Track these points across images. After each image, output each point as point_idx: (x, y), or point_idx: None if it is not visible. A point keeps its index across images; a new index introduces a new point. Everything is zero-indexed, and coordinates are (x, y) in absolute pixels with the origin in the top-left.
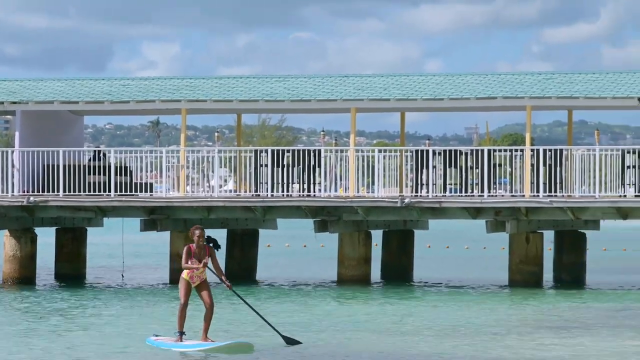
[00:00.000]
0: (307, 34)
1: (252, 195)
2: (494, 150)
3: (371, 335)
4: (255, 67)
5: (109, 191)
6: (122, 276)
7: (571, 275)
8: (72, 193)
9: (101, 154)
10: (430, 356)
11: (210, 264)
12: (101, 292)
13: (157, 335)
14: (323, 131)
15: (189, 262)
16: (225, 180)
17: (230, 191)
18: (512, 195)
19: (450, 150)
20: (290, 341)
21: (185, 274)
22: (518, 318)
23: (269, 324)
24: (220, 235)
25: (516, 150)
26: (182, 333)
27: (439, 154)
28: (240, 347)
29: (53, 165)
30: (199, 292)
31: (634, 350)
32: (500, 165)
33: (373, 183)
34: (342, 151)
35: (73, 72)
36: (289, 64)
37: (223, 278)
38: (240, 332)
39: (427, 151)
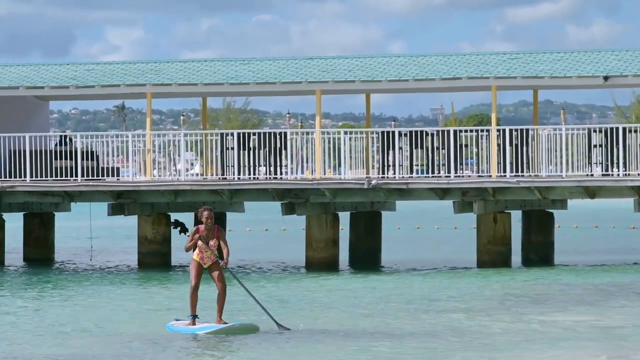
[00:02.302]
0: (269, 16)
1: (219, 178)
2: (460, 131)
3: (343, 314)
4: (219, 50)
5: (76, 176)
6: (90, 259)
7: (539, 255)
8: (39, 178)
9: (67, 139)
10: (394, 333)
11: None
12: (70, 276)
13: (177, 320)
14: (289, 114)
15: (198, 243)
16: (192, 164)
17: (197, 175)
18: (479, 176)
19: (416, 132)
20: (282, 328)
21: (195, 255)
22: (482, 295)
23: (263, 308)
24: (187, 219)
25: (482, 131)
26: (194, 316)
27: (405, 135)
28: (247, 328)
29: (19, 151)
30: (210, 274)
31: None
32: (466, 145)
33: (339, 165)
34: (308, 133)
35: (36, 58)
36: (251, 47)
37: (224, 261)
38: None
39: (393, 132)
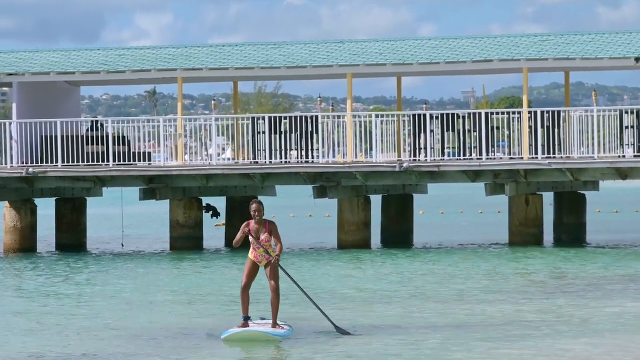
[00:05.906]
0: (299, 0)
1: (250, 162)
2: (492, 113)
3: (377, 300)
4: (248, 34)
5: (107, 161)
6: (122, 245)
7: (571, 236)
8: (70, 163)
9: (99, 124)
10: (431, 320)
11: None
12: (103, 261)
13: (263, 319)
14: (320, 97)
15: (250, 239)
16: (223, 148)
17: (228, 159)
18: (511, 158)
19: (447, 114)
20: (341, 331)
21: (250, 253)
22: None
23: (320, 309)
24: (219, 203)
25: (514, 113)
26: (246, 318)
27: (437, 118)
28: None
29: (51, 136)
30: (265, 271)
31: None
32: (498, 128)
33: (371, 149)
34: (339, 117)
35: (66, 43)
36: (281, 31)
37: (274, 257)
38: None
39: (425, 115)
